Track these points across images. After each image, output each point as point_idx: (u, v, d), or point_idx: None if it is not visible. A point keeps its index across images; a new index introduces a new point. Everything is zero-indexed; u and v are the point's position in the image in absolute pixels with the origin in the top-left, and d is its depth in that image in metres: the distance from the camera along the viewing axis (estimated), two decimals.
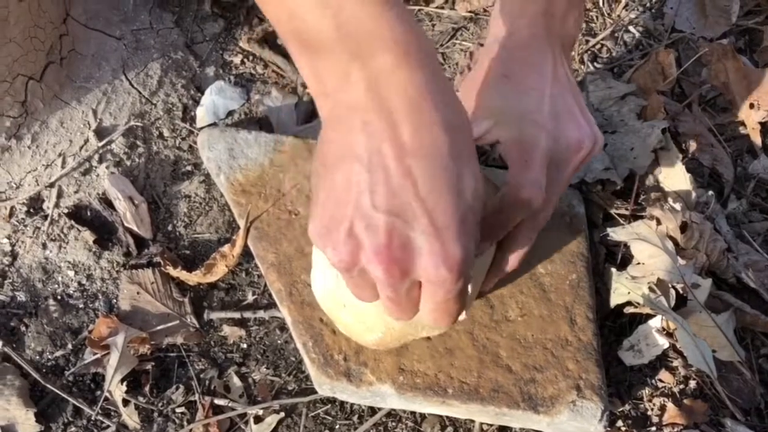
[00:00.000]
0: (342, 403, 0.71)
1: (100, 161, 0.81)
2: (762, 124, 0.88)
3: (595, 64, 0.92)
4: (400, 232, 0.43)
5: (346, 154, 0.44)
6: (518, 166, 0.58)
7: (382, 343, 0.62)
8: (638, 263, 0.74)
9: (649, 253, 0.73)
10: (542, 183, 0.57)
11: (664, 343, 0.72)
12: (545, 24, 0.63)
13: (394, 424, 0.70)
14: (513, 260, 0.63)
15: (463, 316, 0.53)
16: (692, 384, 0.72)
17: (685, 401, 0.70)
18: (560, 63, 0.62)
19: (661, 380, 0.72)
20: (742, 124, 0.89)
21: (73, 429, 0.69)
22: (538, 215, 0.61)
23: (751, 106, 0.89)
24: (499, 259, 0.63)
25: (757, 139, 0.88)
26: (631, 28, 0.96)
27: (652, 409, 0.71)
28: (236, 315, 0.74)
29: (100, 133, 0.82)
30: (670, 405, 0.70)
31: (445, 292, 0.46)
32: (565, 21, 0.64)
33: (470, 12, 0.94)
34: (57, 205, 0.79)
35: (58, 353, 0.72)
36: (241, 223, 0.75)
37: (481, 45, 0.92)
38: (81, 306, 0.75)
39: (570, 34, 0.64)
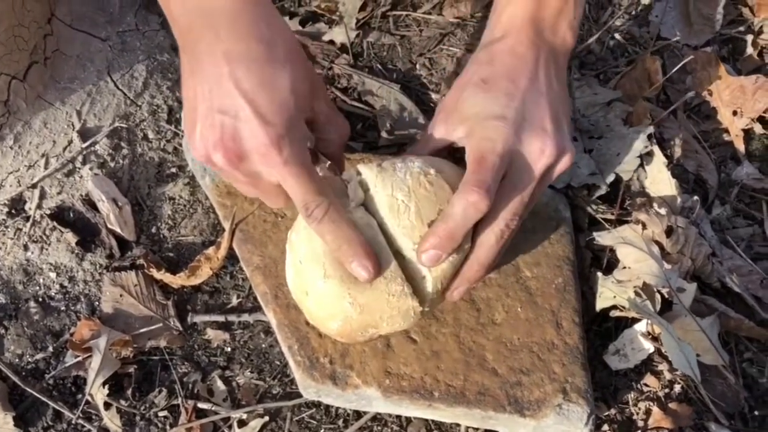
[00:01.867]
0: (327, 406, 0.71)
1: (84, 162, 0.81)
2: (745, 131, 0.90)
3: (582, 70, 0.93)
4: (230, 125, 0.55)
5: (194, 69, 0.57)
6: (471, 168, 0.59)
7: (344, 332, 0.62)
8: (624, 267, 0.75)
9: (634, 257, 0.74)
10: (489, 184, 0.57)
11: (649, 347, 0.72)
12: (533, 29, 0.63)
13: (379, 428, 0.70)
14: (475, 271, 0.62)
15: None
16: (677, 388, 0.72)
17: (670, 405, 0.71)
18: (543, 68, 0.62)
19: (646, 384, 0.73)
20: (726, 131, 0.91)
21: None
22: (498, 225, 0.60)
23: (735, 113, 0.90)
24: (465, 269, 0.62)
25: (740, 146, 0.89)
26: (616, 35, 0.97)
27: (637, 413, 0.71)
28: (220, 318, 0.74)
29: (84, 134, 0.82)
30: (655, 409, 0.70)
31: (280, 165, 0.56)
32: (557, 27, 0.64)
33: (458, 18, 0.95)
34: (39, 206, 0.78)
35: (39, 356, 0.71)
36: (226, 225, 0.75)
37: (470, 51, 0.92)
38: (62, 308, 0.74)
39: (562, 40, 0.65)
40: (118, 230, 0.77)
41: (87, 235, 0.78)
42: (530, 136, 0.60)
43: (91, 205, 0.79)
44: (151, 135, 0.84)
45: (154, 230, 0.79)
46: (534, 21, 0.64)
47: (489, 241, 0.61)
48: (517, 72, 0.62)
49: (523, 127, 0.60)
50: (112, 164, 0.81)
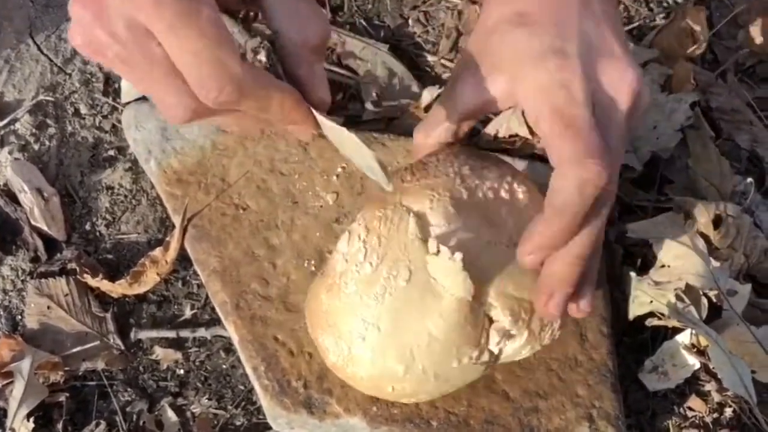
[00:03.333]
0: None
1: (1, 145, 0.80)
2: None
3: None
4: None
5: None
6: (559, 137, 0.52)
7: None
8: (662, 266, 0.74)
9: (675, 253, 0.73)
10: (599, 146, 0.51)
11: (694, 362, 0.72)
12: None
13: None
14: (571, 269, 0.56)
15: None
16: (728, 412, 0.72)
17: None
18: None
19: (690, 408, 0.72)
20: None
21: None
22: (601, 198, 0.54)
23: None
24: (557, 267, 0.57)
25: None
26: None
27: None
28: (171, 334, 0.74)
29: (2, 110, 0.82)
30: None
31: (154, 7, 0.43)
32: None
33: None
34: None
35: None
36: (177, 220, 0.74)
37: (475, 2, 0.91)
38: None
39: None
40: (45, 227, 0.77)
41: (6, 233, 0.77)
42: (607, 69, 0.54)
43: (11, 197, 0.78)
44: (83, 110, 0.83)
45: (88, 227, 0.78)
46: None
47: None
48: None
49: (593, 59, 0.54)
50: (36, 146, 0.81)
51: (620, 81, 0.54)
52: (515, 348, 0.58)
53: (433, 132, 0.62)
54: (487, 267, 0.56)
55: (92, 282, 0.74)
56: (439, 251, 0.54)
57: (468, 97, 0.58)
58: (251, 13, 0.53)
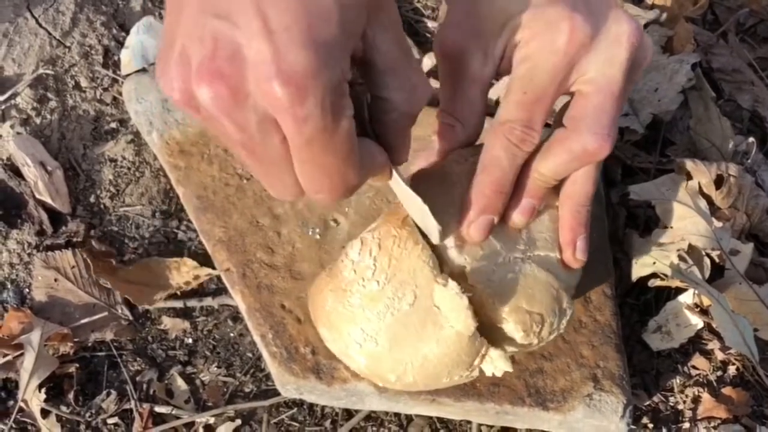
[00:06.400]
0: (311, 405, 0.71)
1: (3, 119, 0.80)
2: None
3: None
4: (229, 38, 0.41)
5: None
6: (505, 98, 0.53)
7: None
8: (665, 227, 0.74)
9: (678, 214, 0.74)
10: (611, 127, 0.53)
11: (697, 322, 0.72)
12: None
13: (374, 428, 0.70)
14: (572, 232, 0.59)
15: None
16: (731, 370, 0.73)
17: (723, 391, 0.71)
18: None
19: (694, 367, 0.73)
20: None
21: None
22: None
23: None
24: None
25: None
26: None
27: (684, 402, 0.71)
28: (178, 304, 0.74)
29: (2, 84, 0.81)
30: (705, 396, 0.71)
31: (297, 122, 0.42)
32: None
33: None
34: None
35: None
36: (180, 191, 0.74)
37: None
38: None
39: None
40: (49, 201, 0.77)
41: (11, 207, 0.77)
42: (608, 21, 0.52)
43: (15, 171, 0.78)
44: (84, 83, 0.83)
45: (92, 199, 0.79)
46: None
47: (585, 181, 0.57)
48: None
49: (593, 12, 0.52)
50: (37, 120, 0.80)
51: (619, 36, 0.53)
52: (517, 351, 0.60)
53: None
54: (500, 282, 0.57)
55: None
56: (447, 283, 0.54)
57: (473, 79, 0.56)
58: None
